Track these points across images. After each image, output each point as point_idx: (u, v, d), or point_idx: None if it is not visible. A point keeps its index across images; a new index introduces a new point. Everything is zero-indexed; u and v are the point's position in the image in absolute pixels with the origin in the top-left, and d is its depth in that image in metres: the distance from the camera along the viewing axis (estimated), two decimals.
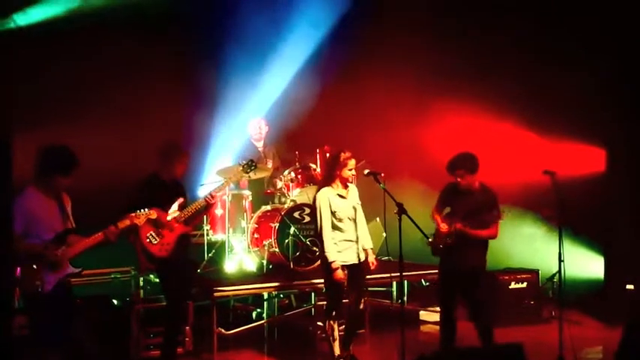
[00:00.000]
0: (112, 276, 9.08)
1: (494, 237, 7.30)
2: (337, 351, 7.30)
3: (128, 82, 10.16)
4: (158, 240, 7.28)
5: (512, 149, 10.00)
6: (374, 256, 7.47)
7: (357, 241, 7.31)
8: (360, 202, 7.47)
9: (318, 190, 7.40)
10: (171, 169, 7.53)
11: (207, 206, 7.77)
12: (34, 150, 5.99)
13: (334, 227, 7.22)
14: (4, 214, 4.11)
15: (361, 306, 7.36)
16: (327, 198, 7.22)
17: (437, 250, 7.37)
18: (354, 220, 7.33)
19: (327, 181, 7.40)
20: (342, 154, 7.29)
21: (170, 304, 7.47)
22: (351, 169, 7.28)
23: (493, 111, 11.13)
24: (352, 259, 7.27)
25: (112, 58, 10.20)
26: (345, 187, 7.36)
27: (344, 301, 7.42)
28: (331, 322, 7.29)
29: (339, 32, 11.59)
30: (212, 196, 7.71)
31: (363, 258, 7.35)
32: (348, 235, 7.27)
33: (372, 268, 7.44)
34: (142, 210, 6.56)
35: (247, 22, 11.10)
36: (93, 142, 9.18)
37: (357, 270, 7.31)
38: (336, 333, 7.30)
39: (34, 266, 5.87)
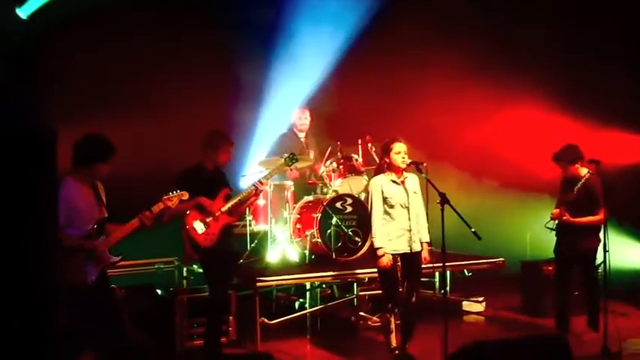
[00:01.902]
0: (156, 266, 9.20)
1: (601, 222, 7.58)
2: (393, 343, 7.16)
3: (167, 71, 10.11)
4: (204, 229, 7.29)
5: (555, 138, 9.90)
6: (428, 251, 7.20)
7: (409, 230, 7.06)
8: (418, 192, 7.23)
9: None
10: (216, 157, 7.52)
11: (256, 192, 7.71)
12: (68, 141, 5.97)
13: (386, 214, 7.08)
14: (52, 206, 4.12)
15: (413, 299, 7.12)
16: (379, 184, 7.10)
17: (557, 235, 8.03)
18: (408, 209, 7.08)
19: (379, 170, 7.29)
20: (389, 140, 7.17)
21: (213, 294, 7.50)
22: (398, 153, 7.06)
23: (533, 99, 11.03)
24: (403, 248, 7.05)
25: (150, 47, 10.14)
26: (400, 174, 7.16)
27: (400, 290, 7.15)
28: (387, 314, 7.12)
29: (378, 22, 11.50)
30: (261, 183, 7.67)
31: (418, 249, 7.11)
32: (400, 224, 7.06)
33: (424, 263, 7.18)
34: (173, 192, 6.48)
35: (288, 10, 11.09)
36: (131, 132, 9.12)
37: (409, 260, 7.09)
38: (392, 325, 7.13)
39: (77, 258, 5.82)
